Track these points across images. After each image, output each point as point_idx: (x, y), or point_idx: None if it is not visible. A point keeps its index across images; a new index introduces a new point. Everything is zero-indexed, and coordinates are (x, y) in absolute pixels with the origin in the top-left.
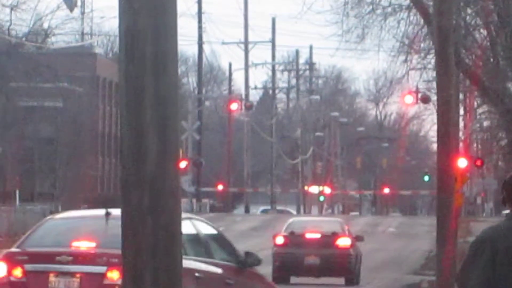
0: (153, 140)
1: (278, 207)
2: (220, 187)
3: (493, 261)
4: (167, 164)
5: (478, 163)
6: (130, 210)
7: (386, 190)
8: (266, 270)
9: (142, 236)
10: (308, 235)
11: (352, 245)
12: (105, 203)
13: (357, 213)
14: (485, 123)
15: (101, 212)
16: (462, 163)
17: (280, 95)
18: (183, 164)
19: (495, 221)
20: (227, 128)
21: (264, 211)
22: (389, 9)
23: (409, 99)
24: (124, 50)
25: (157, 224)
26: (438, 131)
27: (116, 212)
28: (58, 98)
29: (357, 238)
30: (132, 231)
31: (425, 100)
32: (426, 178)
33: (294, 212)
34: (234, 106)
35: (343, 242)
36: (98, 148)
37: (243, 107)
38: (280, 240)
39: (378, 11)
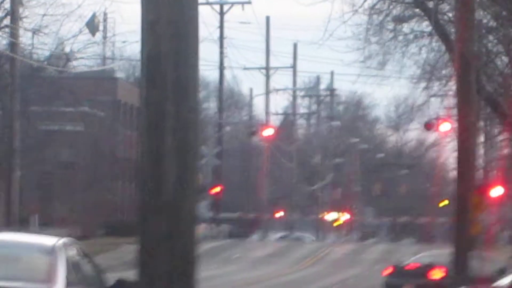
0: (172, 166)
1: (297, 233)
2: (238, 213)
3: None
4: (186, 190)
5: (498, 190)
6: (147, 235)
7: (405, 217)
8: None
9: (159, 262)
10: None
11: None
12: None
13: (375, 239)
14: (505, 151)
15: None
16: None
17: (301, 121)
18: (204, 189)
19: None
20: (247, 153)
21: (282, 238)
22: (411, 36)
23: (430, 125)
24: (145, 75)
25: (175, 250)
26: (458, 158)
27: None
28: (79, 122)
29: None
30: (149, 257)
31: (446, 127)
32: (446, 202)
33: (314, 238)
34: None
35: None
36: (118, 173)
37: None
38: None
39: (400, 38)
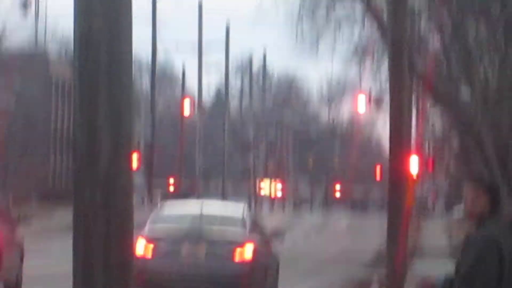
0: (106, 140)
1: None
2: (171, 187)
3: (500, 258)
4: (120, 162)
5: (430, 163)
6: (82, 206)
7: (338, 187)
8: None
9: (94, 233)
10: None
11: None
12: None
13: (309, 209)
14: (437, 125)
15: None
16: (414, 161)
17: (234, 92)
18: (135, 161)
19: (445, 221)
20: (180, 125)
21: None
22: (344, 13)
23: (362, 100)
24: (78, 52)
25: (110, 220)
26: (391, 132)
27: None
28: (11, 97)
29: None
30: (84, 227)
31: (378, 102)
32: (378, 171)
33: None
34: (186, 108)
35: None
36: (50, 145)
37: (196, 110)
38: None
39: (333, 18)
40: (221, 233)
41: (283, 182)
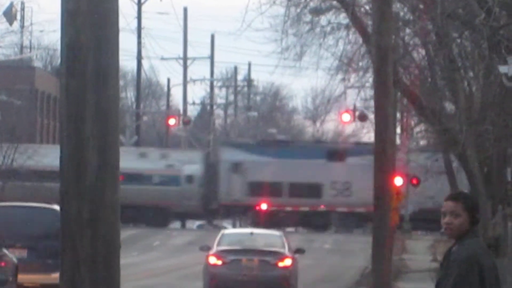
0: (93, 153)
1: (215, 222)
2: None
3: (481, 279)
4: (107, 177)
5: (414, 181)
6: (69, 221)
7: (322, 207)
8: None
9: (80, 247)
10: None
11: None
12: None
13: (293, 229)
14: (422, 142)
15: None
16: (398, 181)
17: (218, 111)
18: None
19: (430, 239)
20: (165, 143)
21: (200, 226)
22: (328, 28)
23: (347, 117)
24: (65, 64)
25: (96, 235)
26: (375, 149)
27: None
28: None
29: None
30: (71, 242)
31: (363, 118)
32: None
33: (230, 227)
34: (172, 121)
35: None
36: None
37: (181, 123)
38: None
39: (317, 30)
40: (269, 251)
41: (267, 202)
